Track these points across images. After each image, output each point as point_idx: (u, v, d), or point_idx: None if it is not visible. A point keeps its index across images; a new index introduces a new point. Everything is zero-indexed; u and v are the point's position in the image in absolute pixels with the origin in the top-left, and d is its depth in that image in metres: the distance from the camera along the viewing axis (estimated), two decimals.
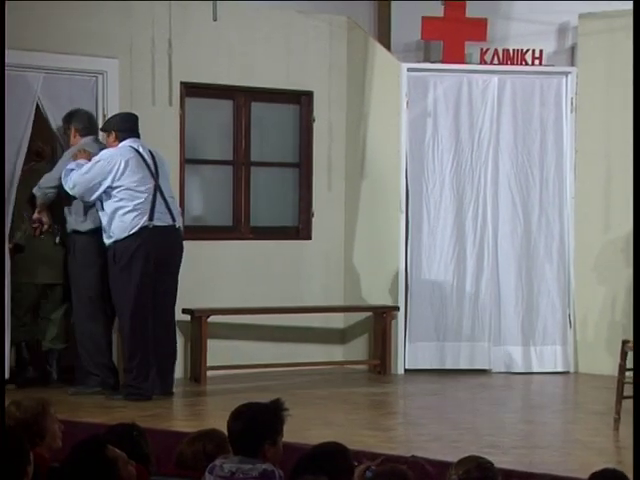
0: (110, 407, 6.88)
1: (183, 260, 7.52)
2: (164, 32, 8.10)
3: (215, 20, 7.82)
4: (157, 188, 7.26)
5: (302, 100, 8.87)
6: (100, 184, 7.16)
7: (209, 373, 8.01)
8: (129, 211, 7.16)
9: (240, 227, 8.71)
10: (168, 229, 7.27)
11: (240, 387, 7.67)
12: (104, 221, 7.19)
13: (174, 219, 7.31)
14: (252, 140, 8.72)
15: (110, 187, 7.17)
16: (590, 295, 8.65)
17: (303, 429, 5.70)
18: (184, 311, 8.03)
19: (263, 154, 8.82)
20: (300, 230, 8.93)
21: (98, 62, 7.79)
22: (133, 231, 7.15)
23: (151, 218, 7.19)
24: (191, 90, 8.32)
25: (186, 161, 8.36)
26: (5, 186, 7.18)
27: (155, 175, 7.29)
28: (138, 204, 7.17)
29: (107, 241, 7.21)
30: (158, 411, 6.77)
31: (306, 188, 8.92)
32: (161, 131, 8.11)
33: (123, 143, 7.28)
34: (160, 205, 7.24)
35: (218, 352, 8.14)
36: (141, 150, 7.30)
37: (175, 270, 7.35)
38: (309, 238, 8.89)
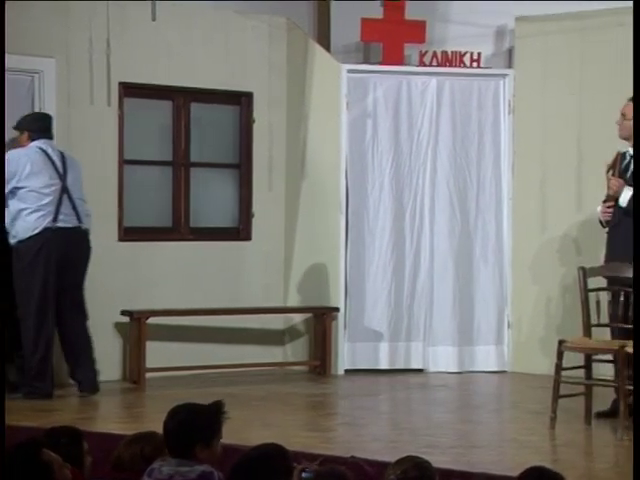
0: (47, 410, 6.82)
1: (122, 261, 7.46)
2: (102, 32, 8.04)
3: (154, 20, 7.79)
4: (64, 190, 7.26)
5: (242, 101, 8.86)
6: (6, 185, 7.16)
7: (148, 375, 7.97)
8: (33, 212, 7.19)
9: (180, 228, 8.67)
10: (73, 230, 7.31)
11: (179, 389, 7.63)
12: (7, 220, 7.20)
13: (80, 220, 7.31)
14: (192, 141, 8.69)
15: (15, 188, 7.19)
16: (526, 295, 8.74)
17: (242, 430, 5.69)
18: (123, 312, 7.99)
19: (203, 155, 8.80)
20: (240, 231, 8.91)
21: (34, 61, 7.73)
22: (36, 232, 7.19)
23: (55, 219, 7.23)
24: (130, 90, 8.28)
25: (125, 162, 8.31)
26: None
27: (63, 177, 7.28)
28: (42, 205, 7.20)
29: (12, 241, 7.22)
30: (95, 413, 6.73)
31: (246, 189, 8.91)
32: (99, 131, 8.06)
33: (33, 144, 7.31)
34: (66, 207, 7.27)
35: (157, 354, 8.10)
36: (50, 151, 7.31)
37: (81, 270, 7.36)
38: (249, 239, 8.88)
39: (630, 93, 6.89)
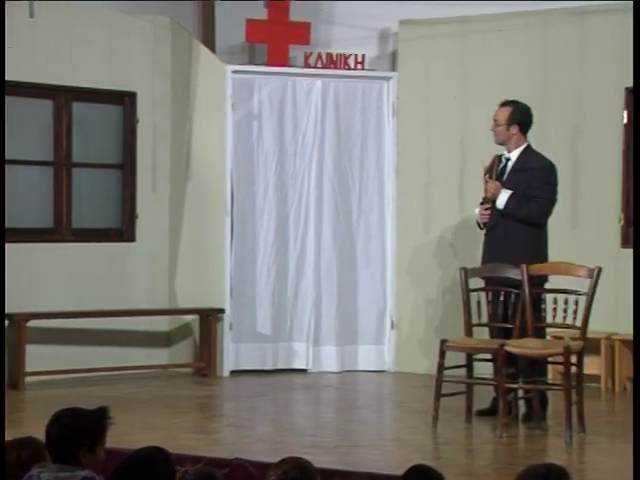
0: None
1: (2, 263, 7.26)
2: None
3: (32, 17, 7.63)
4: None
5: (125, 100, 8.76)
6: None
7: (28, 379, 7.83)
8: None
9: (61, 229, 8.54)
10: None
11: (61, 393, 7.51)
12: None
13: None
14: (74, 140, 8.56)
15: None
16: (407, 296, 8.86)
17: (125, 434, 5.63)
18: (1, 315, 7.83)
19: (86, 155, 8.67)
20: (124, 232, 8.82)
21: None
22: None
23: None
24: (9, 89, 8.11)
25: (6, 162, 8.14)
26: None
27: None
28: None
29: None
30: None
31: (130, 189, 8.82)
32: None
33: None
34: None
35: (39, 357, 7.96)
36: None
37: None
38: (133, 240, 8.79)
39: (503, 98, 7.03)
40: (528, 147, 6.92)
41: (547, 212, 6.82)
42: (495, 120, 6.94)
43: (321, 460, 5.29)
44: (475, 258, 7.26)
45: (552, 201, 6.84)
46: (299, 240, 8.80)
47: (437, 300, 8.71)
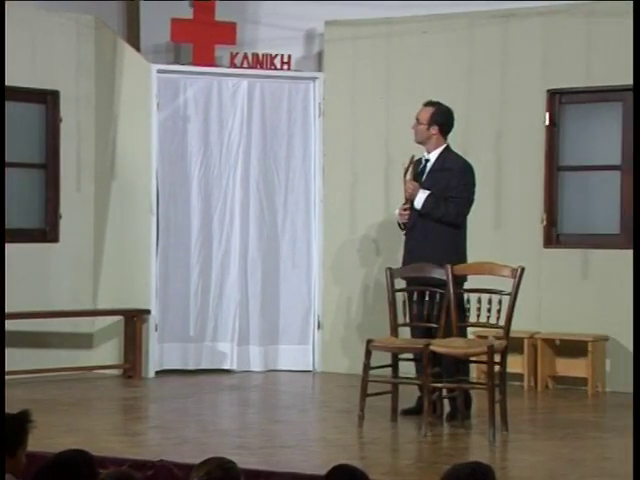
0: None
1: None
2: None
3: None
4: None
5: (48, 99, 8.66)
6: None
7: None
8: None
9: None
10: None
11: None
12: None
13: None
14: None
15: None
16: (333, 296, 8.88)
17: (47, 437, 5.56)
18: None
19: (8, 154, 8.54)
20: (47, 232, 8.71)
21: None
22: None
23: None
24: None
25: None
26: None
27: None
28: None
29: None
30: None
31: (53, 189, 8.71)
32: None
33: None
34: None
35: None
36: None
37: None
38: (56, 240, 8.69)
39: (427, 99, 7.08)
40: (447, 148, 6.99)
41: (464, 212, 6.89)
42: (417, 119, 7.00)
43: (247, 461, 5.29)
44: (398, 258, 7.31)
45: (469, 201, 6.91)
46: (224, 240, 8.78)
47: (362, 300, 8.75)
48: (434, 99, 7.11)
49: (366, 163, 8.81)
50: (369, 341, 6.66)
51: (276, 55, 8.84)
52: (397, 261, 7.33)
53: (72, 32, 8.65)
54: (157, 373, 8.52)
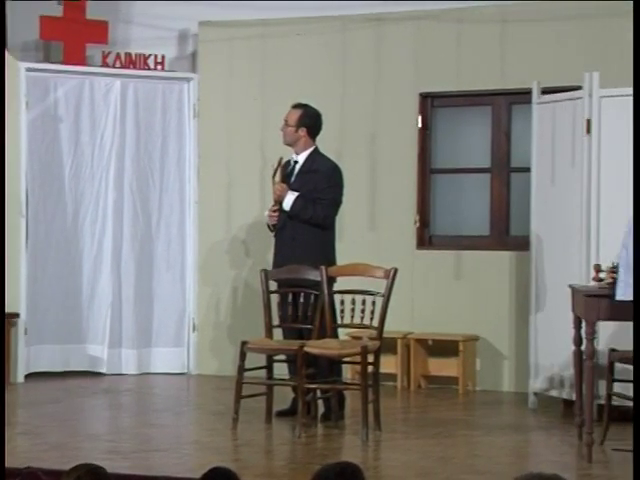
0: None
1: None
2: None
3: None
4: None
5: None
6: None
7: None
8: None
9: None
10: None
11: None
12: None
13: None
14: None
15: None
16: (208, 298, 8.84)
17: None
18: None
19: None
20: None
21: None
22: None
23: None
24: None
25: None
26: None
27: None
28: None
29: None
30: None
31: None
32: None
33: None
34: None
35: None
36: None
37: None
38: None
39: (301, 100, 7.11)
40: (315, 150, 7.03)
41: (332, 214, 6.94)
42: (285, 121, 7.03)
43: (119, 466, 5.22)
44: (268, 259, 7.33)
45: (337, 203, 6.96)
46: (96, 241, 8.66)
47: (237, 302, 8.73)
48: (308, 101, 7.15)
49: (241, 164, 8.80)
50: (244, 343, 6.65)
51: (149, 55, 8.75)
52: (267, 262, 7.35)
53: None
54: (27, 377, 8.34)
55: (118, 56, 8.70)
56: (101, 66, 8.71)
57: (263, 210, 8.07)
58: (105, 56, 8.69)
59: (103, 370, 8.62)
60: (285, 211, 6.90)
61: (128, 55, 8.71)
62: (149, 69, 8.78)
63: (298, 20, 8.58)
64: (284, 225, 6.92)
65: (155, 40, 8.78)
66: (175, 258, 8.88)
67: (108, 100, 8.70)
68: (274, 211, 6.96)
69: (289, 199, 6.87)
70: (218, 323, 8.79)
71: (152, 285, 8.81)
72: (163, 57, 8.80)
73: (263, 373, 6.76)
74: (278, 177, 6.99)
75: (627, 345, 6.03)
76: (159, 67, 8.80)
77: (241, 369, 6.59)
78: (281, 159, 7.03)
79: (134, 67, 8.74)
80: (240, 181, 8.79)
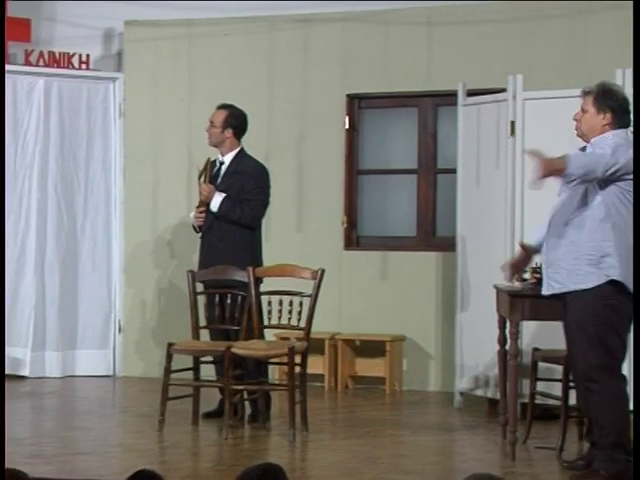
0: None
1: None
2: None
3: None
4: None
5: None
6: None
7: None
8: None
9: None
10: None
11: None
12: None
13: None
14: None
15: None
16: (134, 299, 8.77)
17: None
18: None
19: None
20: None
21: None
22: None
23: None
24: None
25: None
26: None
27: None
28: None
29: None
30: None
31: None
32: None
33: None
34: None
35: None
36: None
37: None
38: None
39: (229, 102, 7.09)
40: (241, 151, 7.02)
41: (260, 215, 6.93)
42: (211, 122, 7.01)
43: (41, 470, 5.16)
44: (193, 260, 7.30)
45: (264, 204, 6.96)
46: (19, 242, 8.53)
47: (163, 303, 8.67)
48: (235, 102, 7.13)
49: (167, 165, 8.74)
50: (170, 344, 6.60)
51: (74, 54, 8.65)
52: (193, 263, 7.31)
53: None
54: None
55: (42, 54, 8.59)
56: (24, 64, 8.59)
57: (189, 211, 8.04)
58: (28, 54, 8.57)
59: (26, 373, 8.49)
60: (212, 212, 6.87)
61: (52, 54, 8.61)
62: (74, 68, 8.69)
63: (225, 20, 8.55)
64: (211, 226, 6.89)
65: (80, 39, 8.69)
66: (101, 259, 8.80)
67: (31, 99, 8.58)
68: (200, 212, 6.93)
69: (216, 200, 6.85)
70: (144, 325, 8.73)
71: (77, 286, 8.71)
72: (88, 56, 8.71)
73: (190, 375, 6.72)
74: (203, 178, 6.95)
75: (550, 344, 6.12)
76: (84, 66, 8.71)
77: (167, 371, 6.55)
78: (208, 160, 6.99)
79: (58, 66, 8.63)
80: (166, 182, 8.74)
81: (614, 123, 5.27)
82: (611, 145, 5.17)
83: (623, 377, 5.25)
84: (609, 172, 5.09)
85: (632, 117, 5.35)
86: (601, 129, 5.27)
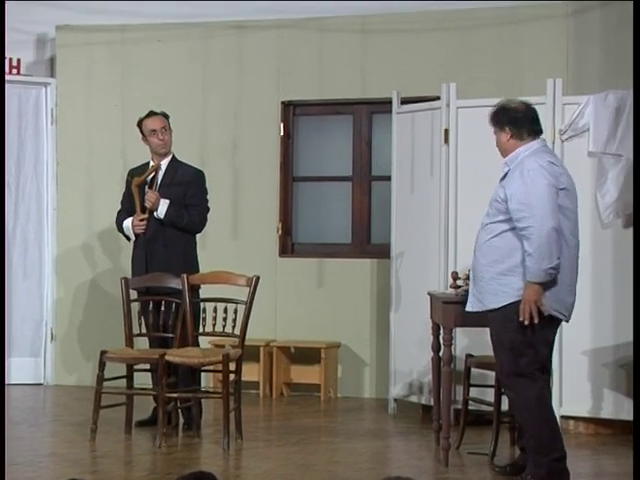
0: None
1: None
2: None
3: None
4: None
5: None
6: None
7: None
8: None
9: None
10: None
11: None
12: None
13: None
14: None
15: None
16: (67, 306, 8.69)
17: None
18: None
19: None
20: None
21: None
22: None
23: None
24: None
25: None
26: None
27: None
28: None
29: None
30: None
31: None
32: None
33: None
34: None
35: None
36: None
37: None
38: None
39: (163, 107, 7.05)
40: (174, 157, 6.98)
41: (205, 219, 6.92)
42: (164, 128, 6.87)
43: None
44: (124, 268, 7.24)
45: (208, 208, 6.95)
46: None
47: (96, 311, 8.59)
48: (169, 108, 7.09)
49: (101, 171, 8.67)
50: (103, 352, 6.54)
51: (5, 58, 8.54)
52: (125, 271, 7.25)
53: None
54: None
55: None
56: None
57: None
58: None
59: None
60: (159, 219, 6.80)
61: None
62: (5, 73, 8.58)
63: (159, 26, 8.51)
64: (155, 233, 6.82)
65: (11, 44, 8.56)
66: (32, 266, 8.69)
67: None
68: (141, 220, 6.84)
69: (163, 207, 6.79)
70: (77, 332, 8.64)
71: (9, 294, 8.59)
72: (19, 61, 8.61)
73: (124, 383, 6.66)
74: (137, 182, 6.87)
75: (482, 351, 6.17)
76: (14, 71, 8.60)
77: (100, 379, 6.48)
78: (153, 167, 6.91)
79: None
80: (100, 187, 8.66)
81: (516, 135, 5.29)
82: (520, 189, 5.06)
83: (543, 381, 5.23)
84: (547, 230, 4.99)
85: (539, 126, 5.33)
86: (510, 145, 5.32)
